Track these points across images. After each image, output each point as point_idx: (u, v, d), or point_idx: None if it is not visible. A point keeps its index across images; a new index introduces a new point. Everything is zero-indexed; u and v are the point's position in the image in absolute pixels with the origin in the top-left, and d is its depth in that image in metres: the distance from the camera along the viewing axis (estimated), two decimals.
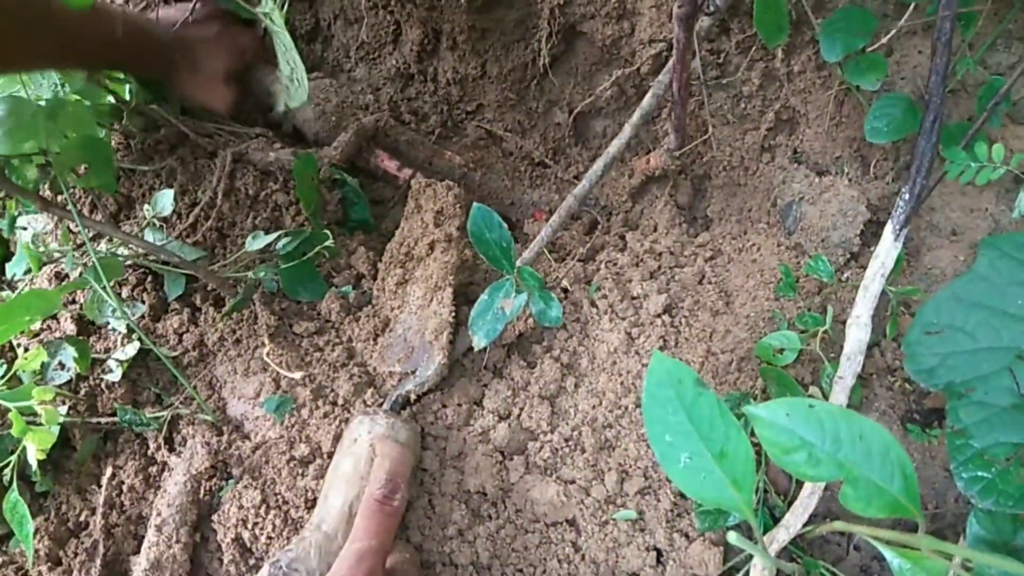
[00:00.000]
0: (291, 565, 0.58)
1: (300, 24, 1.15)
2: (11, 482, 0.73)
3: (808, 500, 0.61)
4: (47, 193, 0.88)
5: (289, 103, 0.93)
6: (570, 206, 0.77)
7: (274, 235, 0.82)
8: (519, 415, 0.76)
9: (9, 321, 0.68)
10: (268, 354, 0.78)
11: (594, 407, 0.74)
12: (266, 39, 0.96)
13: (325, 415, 0.76)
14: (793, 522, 0.61)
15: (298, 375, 0.76)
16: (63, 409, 0.77)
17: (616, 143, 0.77)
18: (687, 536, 0.66)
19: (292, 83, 0.87)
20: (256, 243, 0.82)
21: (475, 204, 0.66)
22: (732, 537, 0.44)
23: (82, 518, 0.78)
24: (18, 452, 0.74)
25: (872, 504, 0.48)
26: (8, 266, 0.88)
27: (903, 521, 0.65)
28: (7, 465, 0.74)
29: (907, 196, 0.67)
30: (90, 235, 0.86)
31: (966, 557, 0.51)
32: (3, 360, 0.80)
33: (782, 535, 0.61)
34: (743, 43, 0.87)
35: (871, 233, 0.77)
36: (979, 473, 0.53)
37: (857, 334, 0.65)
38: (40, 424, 0.72)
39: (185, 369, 0.82)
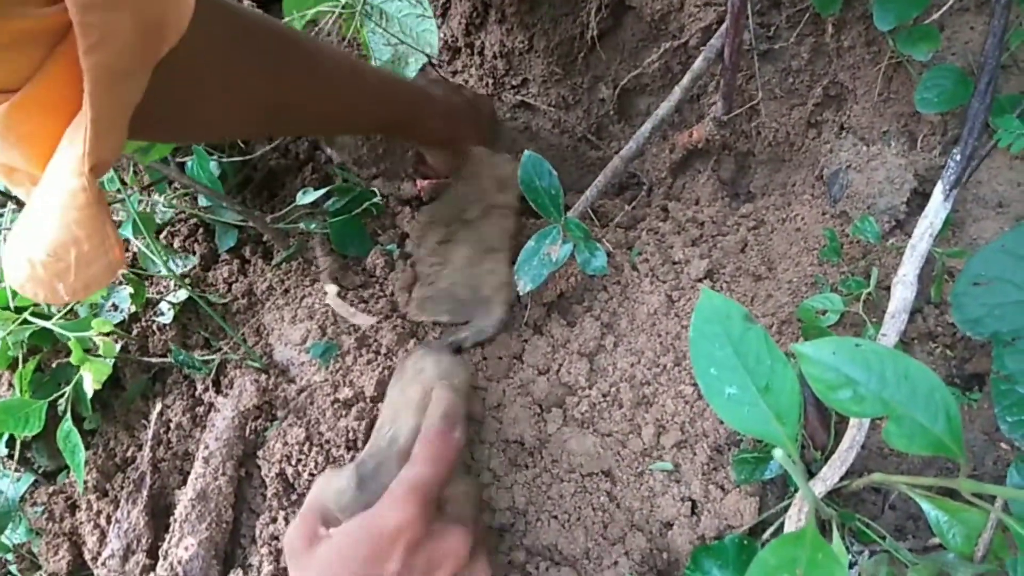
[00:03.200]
0: (376, 469, 0.59)
1: None
2: (65, 412, 0.76)
3: (847, 453, 0.62)
4: None
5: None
6: (616, 167, 0.78)
7: (323, 190, 0.84)
8: (558, 370, 0.77)
9: None
10: (340, 294, 0.80)
11: (632, 365, 0.76)
12: None
13: (368, 362, 0.79)
14: (830, 475, 0.62)
15: (371, 320, 0.78)
16: (117, 346, 0.80)
17: (665, 105, 0.78)
18: (722, 488, 0.68)
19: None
20: (306, 198, 0.84)
21: (526, 152, 0.68)
22: (778, 454, 0.45)
23: (129, 453, 0.81)
24: (72, 384, 0.77)
25: (915, 442, 0.49)
26: None
27: (942, 470, 0.66)
28: (62, 395, 0.77)
29: (958, 157, 0.67)
30: (145, 183, 0.89)
31: (1009, 498, 0.52)
32: None
33: (819, 487, 0.61)
34: (793, 17, 0.88)
35: (916, 204, 0.77)
36: (1023, 417, 0.54)
37: (903, 292, 0.65)
38: (97, 356, 0.74)
39: (234, 316, 0.85)
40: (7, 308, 0.79)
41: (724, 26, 0.79)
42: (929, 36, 0.73)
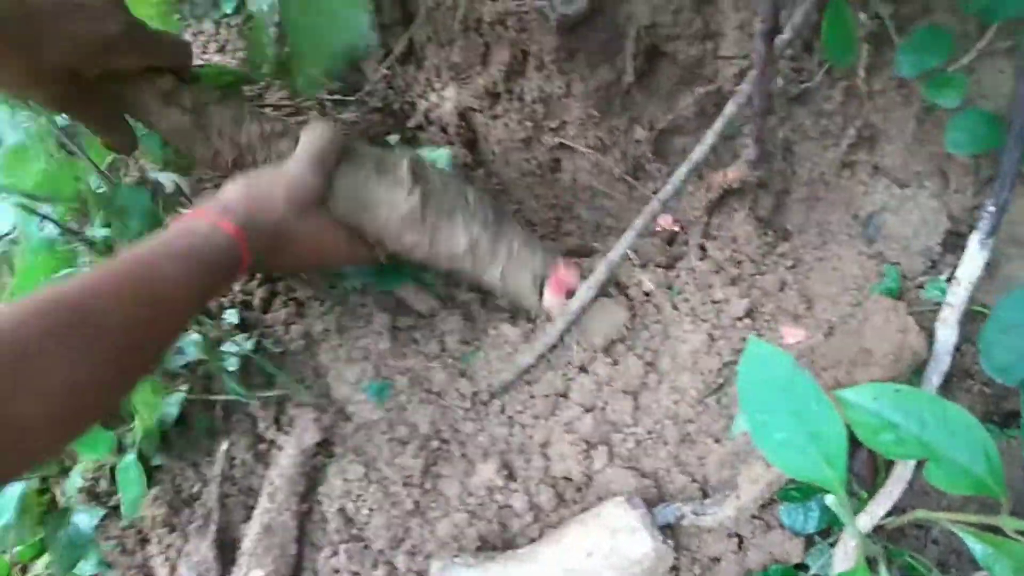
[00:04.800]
0: None
1: (395, 46, 1.23)
2: (133, 445, 0.82)
3: (892, 492, 0.64)
4: None
5: None
6: (654, 209, 0.82)
7: None
8: (603, 408, 0.80)
9: None
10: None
11: (676, 403, 0.79)
12: None
13: (421, 401, 0.82)
14: (876, 511, 0.64)
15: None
16: (184, 387, 0.85)
17: (699, 148, 0.82)
18: (768, 525, 0.70)
19: None
20: None
21: None
22: (830, 500, 0.48)
23: (195, 489, 0.86)
24: (137, 423, 0.82)
25: (957, 482, 0.51)
26: None
27: (984, 506, 0.68)
28: (129, 429, 0.82)
29: (991, 208, 0.70)
30: None
31: None
32: None
33: (864, 522, 0.64)
34: (825, 61, 0.91)
35: (951, 244, 0.80)
36: None
37: (945, 333, 0.68)
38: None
39: (294, 356, 0.89)
40: None
41: (751, 74, 0.83)
42: (955, 83, 0.76)
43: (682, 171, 0.82)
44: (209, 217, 0.63)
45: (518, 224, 0.88)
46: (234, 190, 0.67)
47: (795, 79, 0.94)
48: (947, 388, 0.73)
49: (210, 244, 0.60)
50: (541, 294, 0.83)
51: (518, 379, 0.83)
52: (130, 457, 0.81)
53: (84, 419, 0.50)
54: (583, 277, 0.85)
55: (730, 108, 0.83)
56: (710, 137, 0.83)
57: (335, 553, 0.77)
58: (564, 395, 0.83)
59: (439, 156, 0.98)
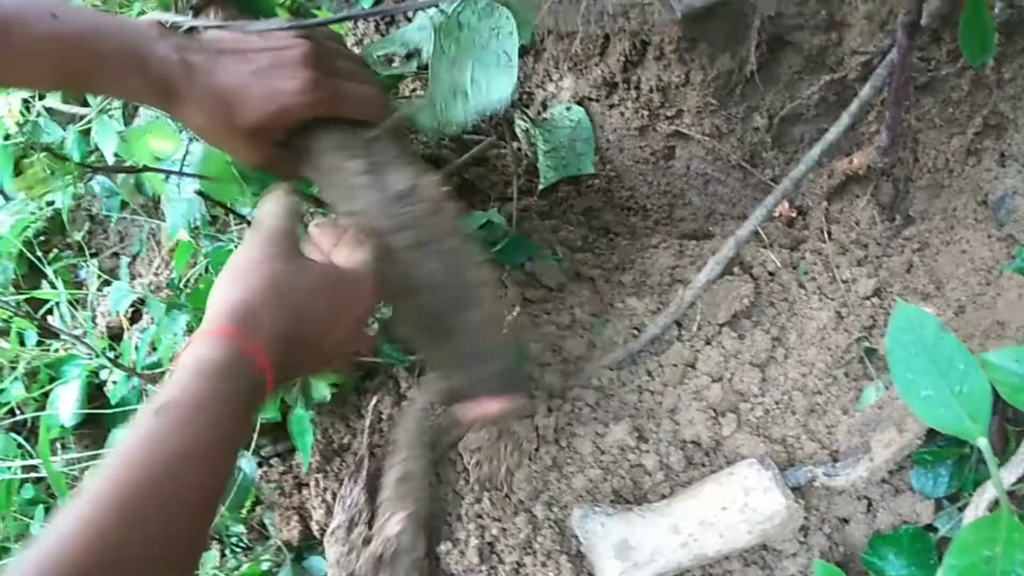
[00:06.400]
0: None
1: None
2: (296, 401, 0.91)
3: (1022, 458, 0.67)
4: None
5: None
6: (785, 188, 0.86)
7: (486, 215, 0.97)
8: (731, 378, 0.85)
9: None
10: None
11: (804, 375, 0.83)
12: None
13: (553, 367, 0.89)
14: (1007, 476, 0.67)
15: None
16: None
17: (834, 130, 0.86)
18: (896, 489, 0.74)
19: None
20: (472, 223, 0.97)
21: None
22: (982, 443, 0.52)
23: (345, 441, 0.95)
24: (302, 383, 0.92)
25: None
26: None
27: None
28: (294, 384, 0.91)
29: None
30: None
31: None
32: None
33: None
34: (954, 51, 0.94)
35: None
36: None
37: None
38: None
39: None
40: None
41: (889, 59, 0.87)
42: None
43: (815, 152, 0.86)
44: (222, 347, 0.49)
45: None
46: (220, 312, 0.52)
47: (923, 68, 0.97)
48: None
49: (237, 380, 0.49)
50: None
51: (646, 348, 0.89)
52: (299, 411, 0.90)
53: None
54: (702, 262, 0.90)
55: (866, 91, 0.86)
56: (846, 119, 0.87)
57: (478, 500, 0.84)
58: (692, 365, 0.88)
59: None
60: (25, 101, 1.11)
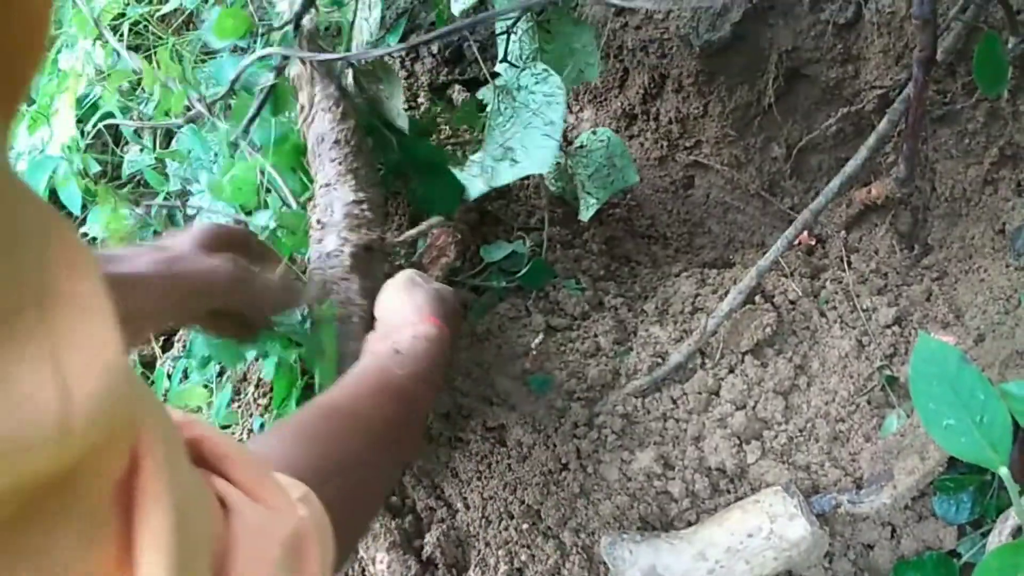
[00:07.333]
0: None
1: None
2: None
3: None
4: None
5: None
6: (806, 220, 0.89)
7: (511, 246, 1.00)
8: (754, 406, 0.87)
9: None
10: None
11: (826, 403, 0.85)
12: None
13: (577, 396, 0.91)
14: None
15: None
16: None
17: (852, 163, 0.89)
18: (919, 516, 0.75)
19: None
20: (496, 254, 1.00)
21: None
22: (1004, 472, 0.54)
23: None
24: None
25: None
26: None
27: None
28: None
29: None
30: None
31: None
32: None
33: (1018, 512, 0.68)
34: (969, 84, 0.97)
35: None
36: None
37: None
38: None
39: (458, 353, 0.99)
40: None
41: (906, 93, 0.89)
42: None
43: (835, 184, 0.89)
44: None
45: None
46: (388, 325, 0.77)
47: (939, 101, 1.00)
48: None
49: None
50: None
51: (669, 376, 0.91)
52: None
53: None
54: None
55: (884, 126, 0.89)
56: (863, 152, 0.89)
57: (506, 528, 0.86)
58: (715, 393, 0.90)
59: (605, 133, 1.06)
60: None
